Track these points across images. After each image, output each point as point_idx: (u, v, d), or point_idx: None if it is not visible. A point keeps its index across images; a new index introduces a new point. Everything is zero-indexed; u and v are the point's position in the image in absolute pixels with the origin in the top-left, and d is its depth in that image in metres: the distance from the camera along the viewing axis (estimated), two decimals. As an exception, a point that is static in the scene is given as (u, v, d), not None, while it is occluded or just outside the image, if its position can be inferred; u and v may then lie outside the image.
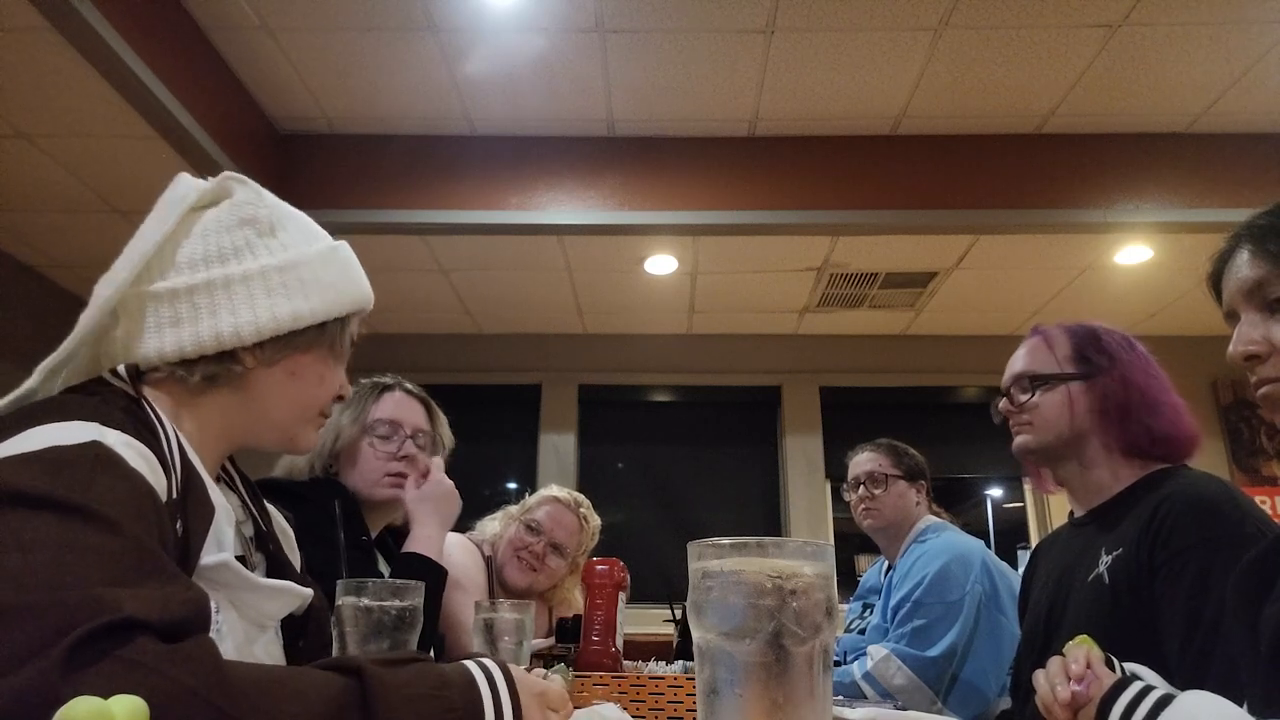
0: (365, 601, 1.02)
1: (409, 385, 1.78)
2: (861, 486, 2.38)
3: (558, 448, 5.07)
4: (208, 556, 0.81)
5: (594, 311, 4.88)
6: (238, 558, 0.88)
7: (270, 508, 1.07)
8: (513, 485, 5.19)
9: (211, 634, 0.80)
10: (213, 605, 0.81)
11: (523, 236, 3.79)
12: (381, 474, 1.65)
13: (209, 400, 0.92)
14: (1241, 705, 0.80)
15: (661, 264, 4.26)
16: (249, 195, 0.94)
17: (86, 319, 0.87)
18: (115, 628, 0.60)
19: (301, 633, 0.98)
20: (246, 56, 3.19)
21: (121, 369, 0.87)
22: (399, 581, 1.03)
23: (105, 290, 0.87)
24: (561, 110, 3.51)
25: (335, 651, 1.00)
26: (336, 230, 1.02)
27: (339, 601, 1.03)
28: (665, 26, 3.04)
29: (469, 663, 0.76)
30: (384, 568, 1.67)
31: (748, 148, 3.68)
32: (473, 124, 3.60)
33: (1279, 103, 3.40)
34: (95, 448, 0.73)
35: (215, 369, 0.90)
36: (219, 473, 0.99)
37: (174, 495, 0.79)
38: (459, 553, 2.14)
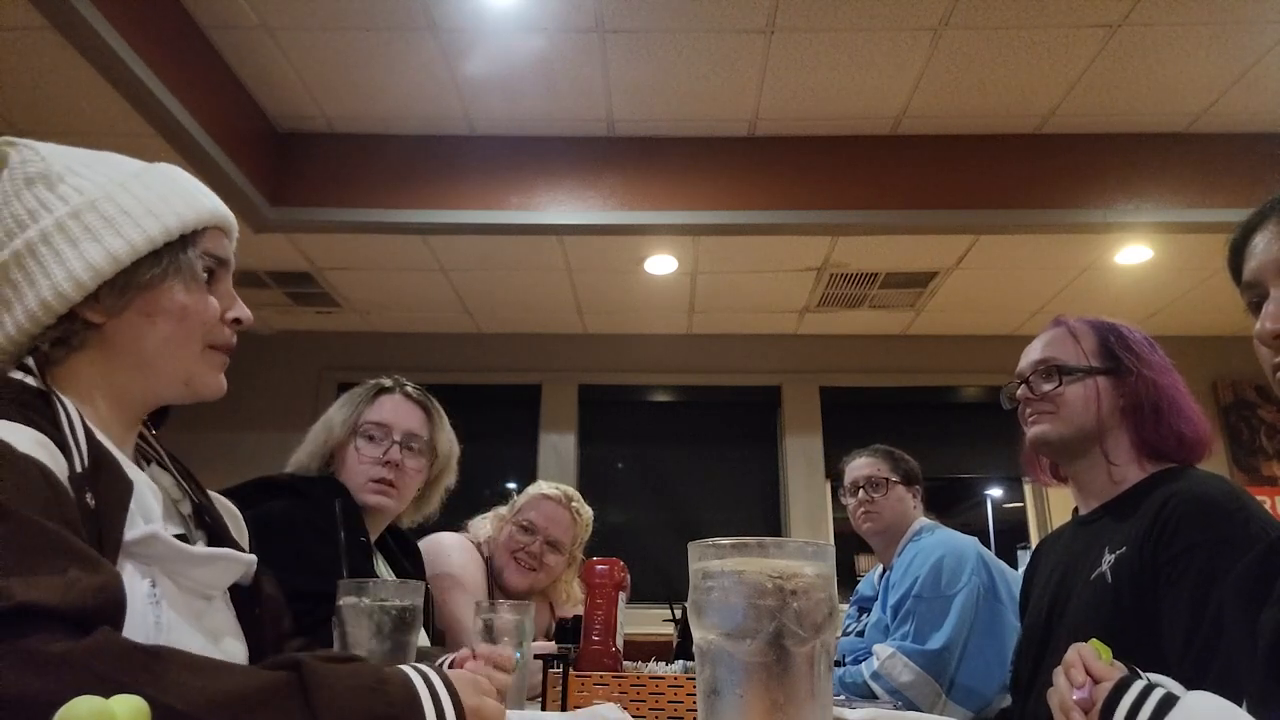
0: (365, 601, 1.02)
1: (410, 388, 1.71)
2: (860, 490, 2.41)
3: (558, 448, 5.06)
4: (132, 530, 0.80)
5: (594, 311, 4.88)
6: (178, 536, 0.87)
7: (220, 499, 1.05)
8: (512, 485, 5.18)
9: (149, 606, 0.79)
10: (147, 580, 0.80)
11: (523, 236, 3.78)
12: (365, 479, 1.58)
13: (83, 368, 0.89)
14: (1241, 707, 0.80)
15: (661, 264, 4.25)
16: (25, 154, 0.90)
17: None
18: (8, 616, 0.58)
19: (255, 601, 0.97)
20: (246, 55, 3.19)
21: (30, 361, 0.86)
22: (399, 581, 1.02)
23: None
24: (561, 110, 3.51)
25: (337, 651, 1.00)
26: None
27: (339, 601, 1.04)
28: (665, 26, 3.04)
29: (404, 666, 0.76)
30: (384, 568, 1.67)
31: (747, 148, 3.68)
32: (472, 124, 3.60)
33: (1279, 103, 3.40)
34: None
35: (61, 333, 0.87)
36: (149, 452, 0.98)
37: (79, 470, 0.77)
38: (458, 553, 2.13)
